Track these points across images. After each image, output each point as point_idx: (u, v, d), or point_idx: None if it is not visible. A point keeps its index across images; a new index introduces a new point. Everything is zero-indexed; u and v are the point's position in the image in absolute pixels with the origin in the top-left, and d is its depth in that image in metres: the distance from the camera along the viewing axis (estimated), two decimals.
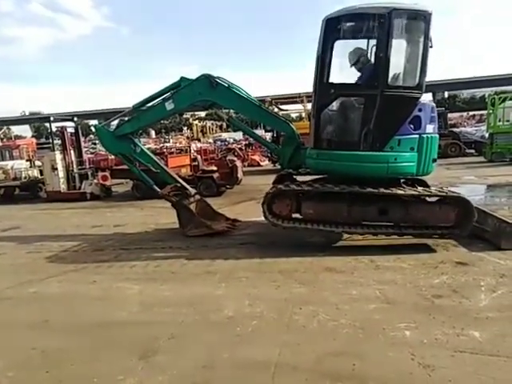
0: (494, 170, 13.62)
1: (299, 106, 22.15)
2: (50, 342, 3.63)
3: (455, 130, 22.82)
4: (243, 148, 24.48)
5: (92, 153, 24.37)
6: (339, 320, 3.66)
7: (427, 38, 5.34)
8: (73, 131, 13.62)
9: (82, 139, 14.80)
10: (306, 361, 3.08)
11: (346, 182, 5.54)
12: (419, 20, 5.33)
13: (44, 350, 3.48)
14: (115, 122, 8.65)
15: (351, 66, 5.95)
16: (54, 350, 3.49)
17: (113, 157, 16.73)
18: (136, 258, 5.97)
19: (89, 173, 13.38)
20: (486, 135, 17.70)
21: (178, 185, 7.48)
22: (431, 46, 5.41)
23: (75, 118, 13.89)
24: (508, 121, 16.43)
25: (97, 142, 40.07)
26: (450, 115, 30.24)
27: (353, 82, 5.90)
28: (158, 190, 7.41)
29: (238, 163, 12.49)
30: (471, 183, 11.53)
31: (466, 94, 76.27)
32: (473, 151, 19.97)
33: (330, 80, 5.67)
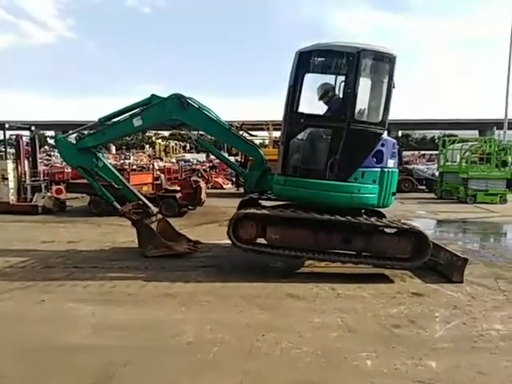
0: (443, 207, 14.47)
1: (264, 133, 22.58)
2: None
3: (408, 166, 24.17)
4: (207, 170, 24.41)
5: (46, 164, 23.21)
6: (302, 348, 3.64)
7: (391, 78, 5.73)
8: (28, 141, 12.94)
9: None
10: None
11: (311, 210, 5.65)
12: (385, 62, 5.70)
13: None
14: (74, 136, 8.34)
15: (319, 100, 6.21)
16: None
17: (69, 170, 16.02)
18: (90, 277, 5.64)
19: (42, 185, 12.66)
20: (437, 173, 18.91)
21: (140, 202, 7.26)
22: (394, 87, 5.81)
23: (33, 128, 13.12)
24: (455, 162, 17.67)
25: (52, 153, 38.34)
26: (403, 153, 32.13)
27: (321, 113, 6.15)
28: (119, 206, 7.13)
29: (202, 184, 12.38)
30: (423, 217, 12.16)
31: (417, 134, 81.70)
32: (424, 187, 21.17)
33: (300, 110, 5.88)
